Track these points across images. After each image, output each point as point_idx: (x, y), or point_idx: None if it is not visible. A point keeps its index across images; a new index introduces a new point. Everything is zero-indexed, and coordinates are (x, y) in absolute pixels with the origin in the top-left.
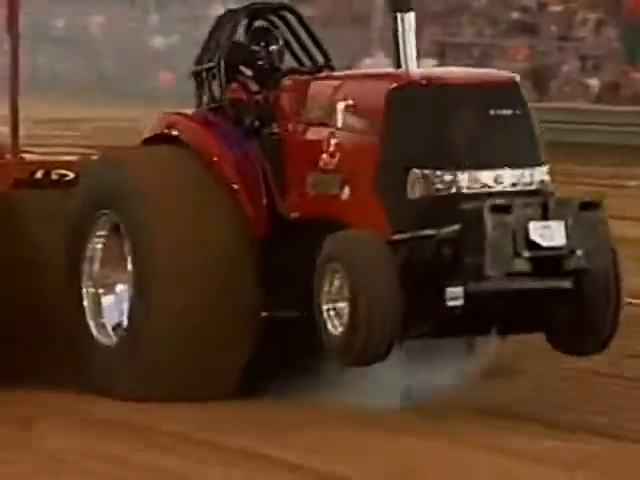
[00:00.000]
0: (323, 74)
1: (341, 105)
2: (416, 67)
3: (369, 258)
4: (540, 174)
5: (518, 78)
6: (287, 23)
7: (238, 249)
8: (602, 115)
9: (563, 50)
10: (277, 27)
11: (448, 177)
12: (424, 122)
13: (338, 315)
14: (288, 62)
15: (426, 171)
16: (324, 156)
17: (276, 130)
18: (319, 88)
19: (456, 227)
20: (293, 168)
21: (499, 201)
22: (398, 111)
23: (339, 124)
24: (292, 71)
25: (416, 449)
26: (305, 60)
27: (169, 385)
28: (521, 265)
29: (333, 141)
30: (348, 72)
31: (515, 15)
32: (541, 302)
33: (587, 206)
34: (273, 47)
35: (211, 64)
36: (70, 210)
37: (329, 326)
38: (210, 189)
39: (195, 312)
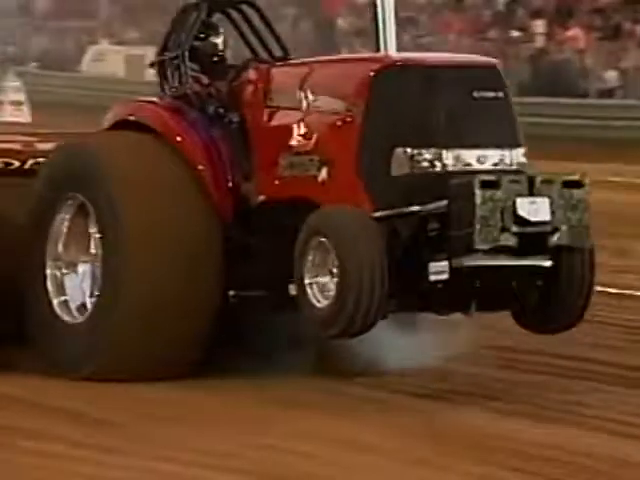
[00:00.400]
0: (289, 62)
1: (315, 88)
2: (395, 51)
3: (356, 231)
4: (520, 155)
5: (498, 62)
6: (245, 17)
7: (205, 230)
8: None
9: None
10: (233, 20)
11: (432, 155)
12: (408, 103)
13: (322, 289)
14: (244, 54)
15: (410, 149)
16: (298, 138)
17: (241, 117)
18: (286, 74)
19: (443, 202)
20: (262, 152)
21: (488, 177)
22: (381, 93)
23: (313, 107)
24: (245, 62)
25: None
26: (262, 54)
27: (135, 364)
28: (508, 239)
29: (306, 123)
30: (318, 59)
31: None
32: (521, 279)
33: (570, 184)
34: (215, 39)
35: (173, 55)
36: (35, 193)
37: (312, 300)
38: (176, 172)
39: (162, 292)
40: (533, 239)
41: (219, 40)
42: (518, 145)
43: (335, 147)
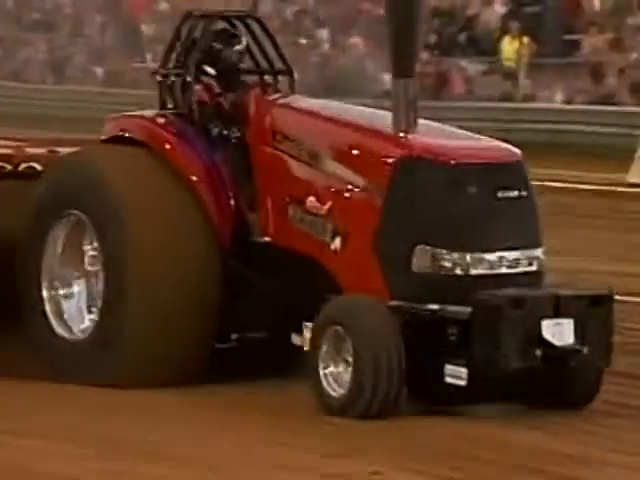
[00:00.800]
0: (303, 104)
1: (334, 153)
2: (415, 132)
3: (372, 318)
4: (540, 254)
5: (521, 155)
6: (249, 29)
7: (204, 251)
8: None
9: (75, 44)
10: (238, 31)
11: (456, 258)
12: (432, 199)
13: (336, 378)
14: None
15: (435, 249)
16: (311, 198)
17: (245, 145)
18: (299, 122)
19: (466, 310)
20: (268, 193)
21: (515, 294)
22: (406, 181)
23: (329, 170)
24: (250, 72)
25: None
26: (265, 66)
27: (142, 375)
28: (532, 361)
29: (321, 185)
30: (332, 114)
31: (36, 15)
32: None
33: (597, 300)
34: (237, 47)
35: (179, 68)
36: (32, 208)
37: (328, 389)
38: (176, 191)
39: (165, 306)
40: (556, 360)
41: (238, 48)
42: (539, 245)
43: (352, 222)
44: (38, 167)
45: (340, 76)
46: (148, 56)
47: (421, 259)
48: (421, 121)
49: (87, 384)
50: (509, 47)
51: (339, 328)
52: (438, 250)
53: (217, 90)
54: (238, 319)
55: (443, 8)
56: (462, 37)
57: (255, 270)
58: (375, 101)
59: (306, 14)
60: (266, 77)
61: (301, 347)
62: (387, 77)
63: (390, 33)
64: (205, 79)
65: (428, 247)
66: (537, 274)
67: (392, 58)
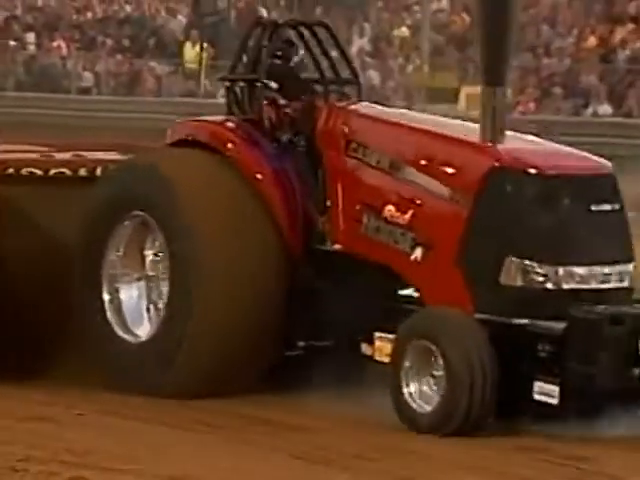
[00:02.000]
0: (378, 112)
1: (415, 163)
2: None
3: (467, 337)
4: (631, 269)
5: (612, 168)
6: (316, 37)
7: (274, 264)
8: None
9: None
10: (303, 38)
11: (547, 271)
12: (524, 211)
13: (422, 394)
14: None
15: (526, 262)
16: (390, 207)
17: (316, 153)
18: (375, 130)
19: (560, 325)
20: (340, 199)
21: (614, 310)
22: (496, 192)
23: (409, 179)
24: (315, 81)
25: None
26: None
27: (208, 381)
28: (629, 380)
29: (401, 194)
30: (412, 123)
31: None
32: None
33: None
34: (295, 59)
35: (253, 76)
36: (91, 210)
37: (413, 405)
38: (247, 200)
39: (233, 315)
40: None
41: (297, 59)
42: (630, 260)
43: (435, 232)
44: (68, 172)
45: (44, 74)
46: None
47: (510, 272)
48: (508, 132)
49: (151, 392)
50: (191, 52)
51: (427, 342)
52: (529, 263)
53: (282, 102)
54: (305, 327)
55: (134, 16)
56: (152, 42)
57: (324, 278)
58: (78, 96)
59: (15, 19)
60: (332, 86)
61: (370, 357)
62: (87, 74)
63: (482, 41)
64: (269, 93)
65: (518, 259)
66: (628, 290)
67: (483, 66)
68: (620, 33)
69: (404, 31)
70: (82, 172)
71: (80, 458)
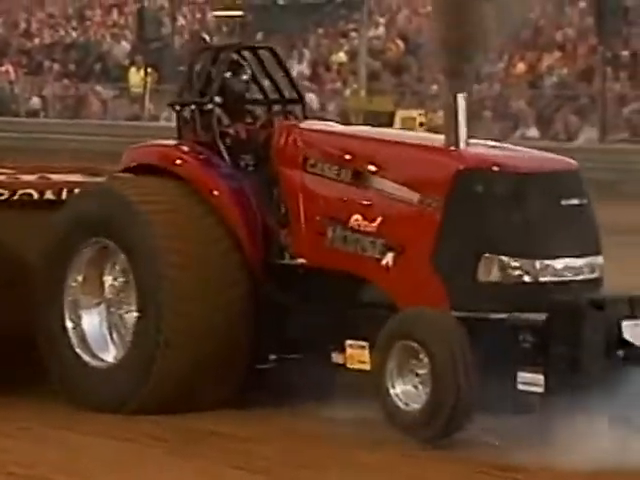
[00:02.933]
0: (332, 128)
1: (378, 170)
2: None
3: (449, 334)
4: (600, 261)
5: (578, 165)
6: (259, 59)
7: (237, 281)
8: None
9: None
10: (246, 61)
11: (524, 265)
12: (498, 207)
13: (408, 393)
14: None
15: (502, 257)
16: (356, 216)
17: (273, 171)
18: (332, 144)
19: (541, 315)
20: (300, 216)
21: (595, 296)
22: (466, 193)
23: (374, 187)
24: (256, 101)
25: None
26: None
27: (177, 400)
28: (615, 365)
29: (366, 203)
30: (370, 133)
31: None
32: None
33: None
34: (243, 77)
35: (204, 100)
36: (52, 237)
37: (399, 404)
38: (207, 220)
39: (201, 336)
40: (637, 361)
41: (244, 78)
42: (599, 252)
43: (407, 236)
44: (35, 194)
45: None
46: None
47: (487, 268)
48: (471, 140)
49: (124, 412)
50: (135, 76)
51: (409, 342)
52: (505, 258)
53: (226, 122)
54: (275, 340)
55: (80, 42)
56: (97, 67)
57: (289, 291)
58: (25, 119)
59: None
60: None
61: (342, 365)
62: (35, 99)
63: (443, 48)
64: (218, 114)
65: (494, 255)
66: (598, 281)
67: (445, 72)
68: (547, 60)
69: (342, 57)
70: (49, 194)
71: (27, 470)
